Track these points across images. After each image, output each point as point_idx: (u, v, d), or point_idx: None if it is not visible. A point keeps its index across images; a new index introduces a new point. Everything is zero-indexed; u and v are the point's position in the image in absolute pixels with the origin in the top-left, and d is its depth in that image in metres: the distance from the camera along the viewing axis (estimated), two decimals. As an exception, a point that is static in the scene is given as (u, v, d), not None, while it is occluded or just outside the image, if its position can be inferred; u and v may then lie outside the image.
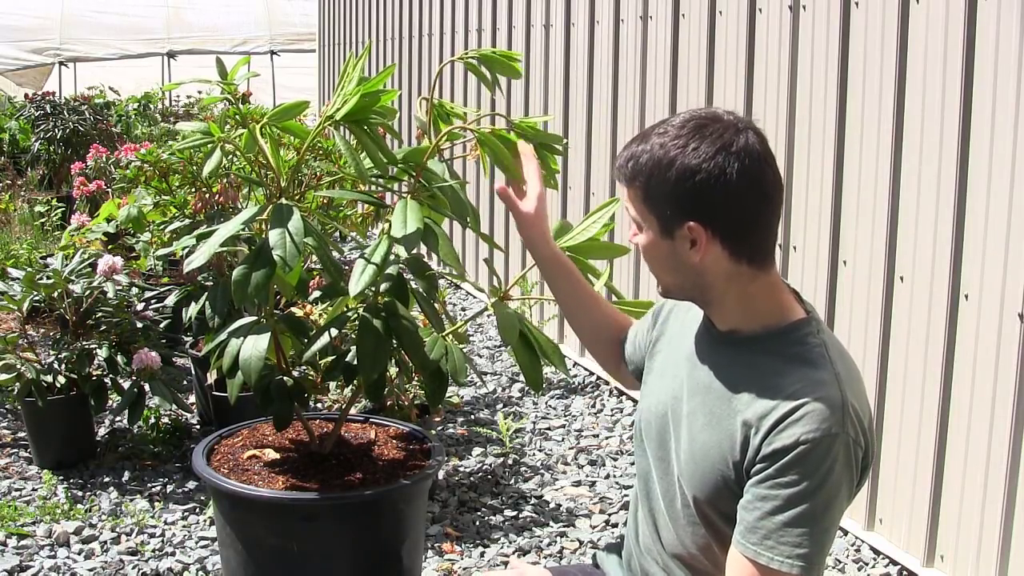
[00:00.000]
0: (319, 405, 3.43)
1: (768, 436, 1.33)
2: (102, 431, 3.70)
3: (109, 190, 4.46)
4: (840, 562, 2.81)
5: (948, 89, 2.55)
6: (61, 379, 3.36)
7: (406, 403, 3.24)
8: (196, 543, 2.88)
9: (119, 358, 3.35)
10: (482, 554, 2.84)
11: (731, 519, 1.40)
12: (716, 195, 1.34)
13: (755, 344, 1.41)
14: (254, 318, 2.10)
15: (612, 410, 4.02)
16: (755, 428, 1.35)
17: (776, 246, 1.44)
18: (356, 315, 2.03)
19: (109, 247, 4.05)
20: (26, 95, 9.49)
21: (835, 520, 1.35)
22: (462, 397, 4.07)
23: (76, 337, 3.41)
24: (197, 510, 3.09)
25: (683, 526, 1.48)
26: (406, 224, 1.81)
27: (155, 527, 2.96)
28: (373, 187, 2.09)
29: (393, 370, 2.82)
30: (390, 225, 1.83)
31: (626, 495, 3.22)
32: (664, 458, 1.52)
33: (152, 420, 3.64)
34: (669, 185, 1.35)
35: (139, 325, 3.45)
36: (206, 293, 2.65)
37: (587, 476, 3.38)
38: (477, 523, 3.03)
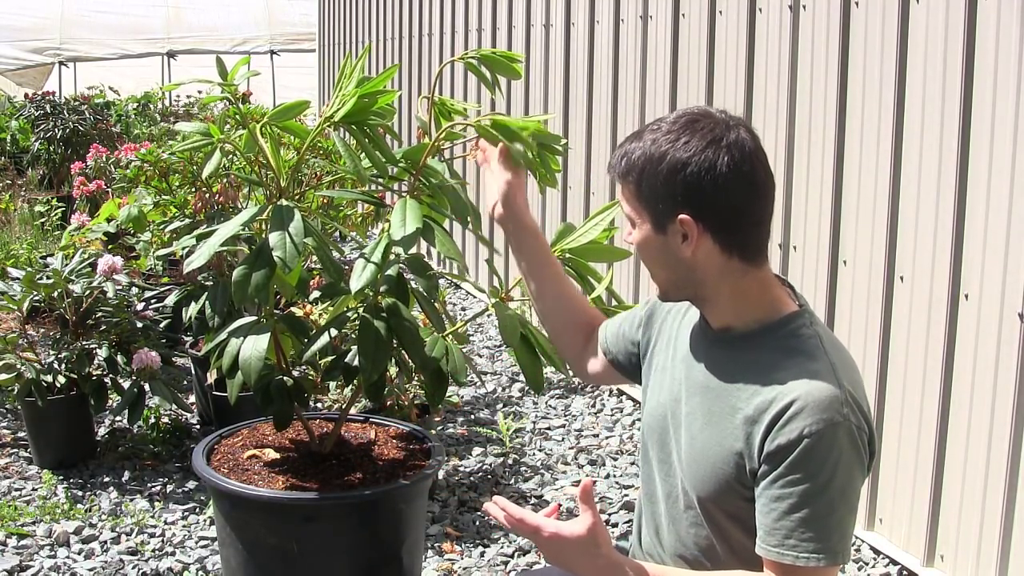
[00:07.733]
0: (319, 405, 3.43)
1: (770, 432, 1.33)
2: (102, 431, 3.70)
3: (109, 190, 4.46)
4: (840, 562, 2.81)
5: (948, 89, 2.54)
6: (61, 379, 3.35)
7: (406, 403, 3.24)
8: (196, 543, 2.88)
9: (119, 358, 3.35)
10: (482, 554, 2.84)
11: (737, 517, 1.41)
12: (706, 187, 1.36)
13: (750, 340, 1.42)
14: (254, 318, 2.10)
15: (612, 410, 4.02)
16: (756, 424, 1.35)
17: (768, 243, 1.45)
18: (356, 315, 2.03)
19: (109, 247, 4.04)
20: (26, 95, 9.49)
21: (853, 505, 1.35)
22: (462, 397, 4.06)
23: (76, 337, 3.41)
24: (197, 510, 3.09)
25: (685, 528, 1.48)
26: (405, 223, 1.81)
27: (155, 527, 2.96)
28: (373, 187, 2.09)
29: (393, 370, 2.82)
30: (390, 224, 1.83)
31: (626, 495, 3.22)
32: (666, 460, 1.52)
33: (152, 420, 3.64)
34: (661, 178, 1.37)
35: (139, 325, 3.46)
36: (206, 293, 2.65)
37: (587, 476, 3.38)
38: (477, 523, 3.03)
